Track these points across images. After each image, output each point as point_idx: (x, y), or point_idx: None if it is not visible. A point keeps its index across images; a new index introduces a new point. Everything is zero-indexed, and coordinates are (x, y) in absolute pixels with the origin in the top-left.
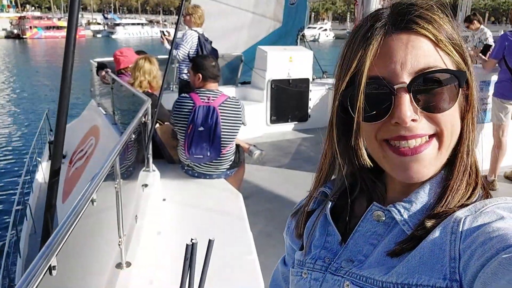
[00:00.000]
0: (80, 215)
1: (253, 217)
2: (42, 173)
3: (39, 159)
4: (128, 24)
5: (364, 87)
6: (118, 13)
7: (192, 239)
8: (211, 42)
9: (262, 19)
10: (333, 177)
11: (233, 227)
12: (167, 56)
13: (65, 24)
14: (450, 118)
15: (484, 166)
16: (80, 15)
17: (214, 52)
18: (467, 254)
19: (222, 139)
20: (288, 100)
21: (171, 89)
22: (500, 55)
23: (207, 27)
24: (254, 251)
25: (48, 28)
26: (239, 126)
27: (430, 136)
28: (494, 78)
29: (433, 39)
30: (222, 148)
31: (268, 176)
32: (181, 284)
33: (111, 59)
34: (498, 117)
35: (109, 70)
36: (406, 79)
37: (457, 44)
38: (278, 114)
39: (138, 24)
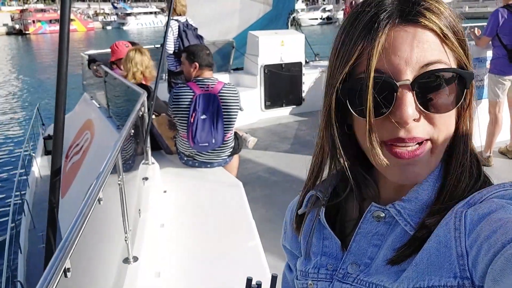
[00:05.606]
0: (89, 215)
1: (252, 204)
2: (38, 168)
3: (34, 154)
4: (140, 13)
5: (372, 84)
6: (127, 2)
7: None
8: (196, 29)
9: (252, 3)
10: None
11: (234, 216)
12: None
13: (72, 16)
14: (447, 119)
15: (479, 142)
16: (86, 5)
17: (199, 40)
18: (474, 250)
19: (224, 126)
20: (281, 84)
21: (163, 79)
22: (494, 32)
23: (197, 13)
24: (257, 237)
25: (52, 21)
26: (238, 112)
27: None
28: (489, 54)
29: (440, 33)
30: (224, 134)
31: (266, 162)
32: None
33: (103, 51)
34: (495, 93)
35: (101, 63)
36: (410, 75)
37: (461, 39)
38: (272, 99)
39: (151, 13)
